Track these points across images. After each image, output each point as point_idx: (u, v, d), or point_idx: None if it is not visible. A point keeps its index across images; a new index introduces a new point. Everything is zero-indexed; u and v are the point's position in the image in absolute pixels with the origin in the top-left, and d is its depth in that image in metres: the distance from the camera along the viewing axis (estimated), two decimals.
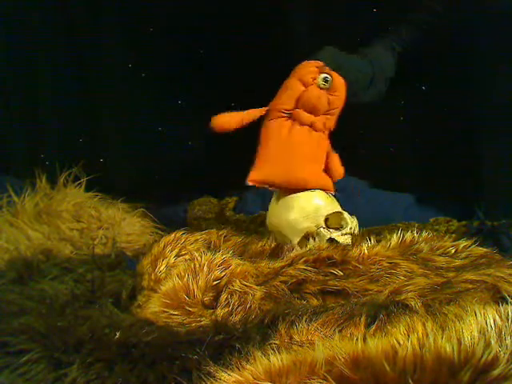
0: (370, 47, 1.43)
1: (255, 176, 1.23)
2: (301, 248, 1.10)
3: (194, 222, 1.64)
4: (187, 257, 1.08)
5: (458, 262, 0.98)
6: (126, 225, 1.47)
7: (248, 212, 1.68)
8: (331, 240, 1.14)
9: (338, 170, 1.25)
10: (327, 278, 0.94)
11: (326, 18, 1.60)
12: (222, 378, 0.65)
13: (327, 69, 1.20)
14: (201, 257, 0.98)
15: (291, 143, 1.20)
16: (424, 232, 1.08)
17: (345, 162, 1.51)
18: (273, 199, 1.25)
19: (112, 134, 1.78)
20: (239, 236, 1.22)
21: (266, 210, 1.49)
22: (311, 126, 1.20)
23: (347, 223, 1.17)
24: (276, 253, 1.08)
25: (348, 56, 1.31)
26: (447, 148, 1.50)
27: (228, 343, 0.78)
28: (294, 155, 1.20)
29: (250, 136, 1.65)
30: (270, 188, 1.23)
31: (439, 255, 1.00)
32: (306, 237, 1.17)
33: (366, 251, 0.98)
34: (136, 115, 1.76)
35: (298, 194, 1.20)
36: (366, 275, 0.94)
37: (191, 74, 1.70)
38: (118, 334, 0.82)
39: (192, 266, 0.96)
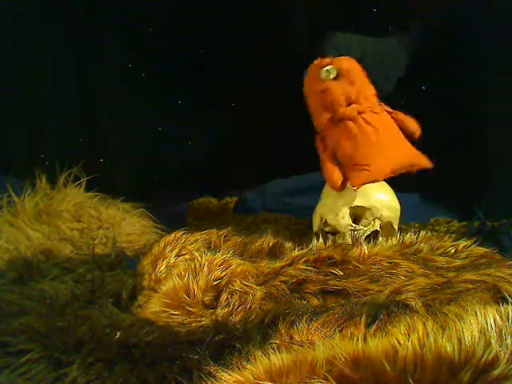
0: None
1: (357, 180, 1.18)
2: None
3: (194, 222, 1.64)
4: (187, 257, 1.08)
5: (458, 262, 0.98)
6: (126, 225, 1.47)
7: (248, 212, 1.68)
8: (375, 232, 1.17)
9: (412, 126, 1.21)
10: (327, 277, 0.94)
11: (326, 17, 1.60)
12: (223, 377, 0.65)
13: (325, 60, 1.20)
14: (201, 257, 0.98)
15: (358, 140, 1.16)
16: (424, 232, 1.08)
17: None
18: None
19: (112, 134, 1.78)
20: (239, 236, 1.22)
21: (266, 209, 1.50)
22: (360, 114, 1.18)
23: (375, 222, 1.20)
24: (274, 251, 1.08)
25: (360, 37, 1.30)
26: (447, 148, 1.50)
27: (228, 343, 0.78)
28: (377, 146, 1.16)
29: (250, 136, 1.65)
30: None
31: (439, 255, 1.00)
32: (358, 212, 1.19)
33: (366, 251, 0.98)
34: (136, 115, 1.76)
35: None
36: (366, 275, 0.94)
37: (191, 74, 1.71)
38: (118, 333, 0.82)
39: (192, 265, 0.96)
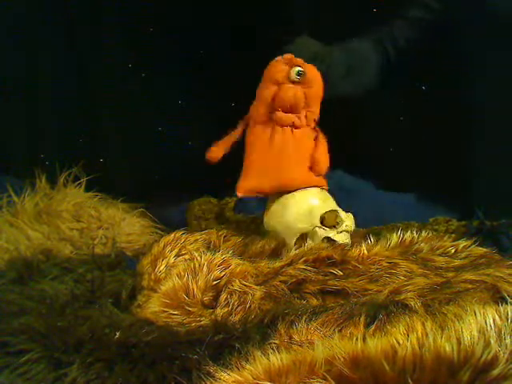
0: (355, 40, 1.42)
1: (244, 186, 1.21)
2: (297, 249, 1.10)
3: (194, 222, 1.64)
4: (187, 257, 1.08)
5: (457, 262, 0.98)
6: (126, 225, 1.47)
7: (248, 212, 1.68)
8: (328, 239, 1.14)
9: (322, 160, 1.21)
10: (327, 277, 0.94)
11: (326, 18, 1.60)
12: (222, 377, 0.65)
13: (298, 60, 1.18)
14: (200, 257, 0.98)
15: (275, 147, 1.18)
16: (423, 232, 1.08)
17: (345, 161, 1.52)
18: (269, 200, 1.25)
19: (112, 134, 1.78)
20: (239, 236, 1.22)
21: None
22: (292, 125, 1.18)
23: (342, 221, 1.17)
24: (276, 253, 1.08)
25: (324, 47, 1.29)
26: (447, 148, 1.50)
27: (228, 343, 0.78)
28: (280, 159, 1.18)
29: None
30: (259, 196, 1.23)
31: (439, 255, 1.00)
32: (302, 237, 1.17)
33: (365, 251, 0.98)
34: (136, 115, 1.76)
35: (294, 194, 1.20)
36: (365, 275, 0.94)
37: (191, 74, 1.70)
38: (117, 333, 0.82)
39: (192, 265, 0.96)
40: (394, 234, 1.05)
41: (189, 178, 1.73)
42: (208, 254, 1.00)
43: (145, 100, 1.75)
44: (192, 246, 1.14)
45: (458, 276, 0.92)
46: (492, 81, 1.46)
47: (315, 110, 1.21)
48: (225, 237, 1.20)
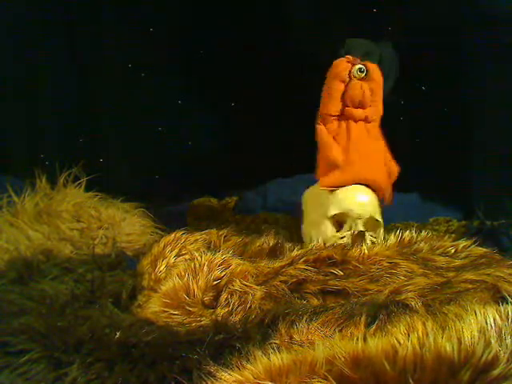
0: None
1: (330, 181, 1.22)
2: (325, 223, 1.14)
3: (194, 222, 1.64)
4: (187, 257, 1.08)
5: (457, 262, 0.98)
6: (126, 225, 1.47)
7: (248, 212, 1.68)
8: (361, 232, 1.15)
9: (393, 169, 1.26)
10: (327, 277, 0.94)
11: (326, 18, 1.61)
12: (223, 377, 0.65)
13: (359, 60, 1.22)
14: (201, 257, 0.98)
15: (353, 142, 1.21)
16: (423, 232, 1.08)
17: None
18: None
19: (112, 134, 1.78)
20: (239, 236, 1.22)
21: (266, 209, 1.49)
22: (365, 120, 1.22)
23: (378, 236, 1.18)
24: (275, 251, 1.08)
25: (373, 43, 1.31)
26: (447, 148, 1.50)
27: (228, 343, 0.78)
28: (358, 154, 1.21)
29: (251, 136, 1.65)
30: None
31: (439, 255, 1.00)
32: (339, 218, 1.18)
33: (366, 251, 0.98)
34: (136, 115, 1.76)
35: (358, 185, 1.21)
36: (366, 275, 0.94)
37: (191, 74, 1.71)
38: (118, 333, 0.82)
39: (192, 265, 0.96)
40: (393, 234, 1.05)
41: (189, 178, 1.73)
42: (208, 254, 1.00)
43: (145, 100, 1.75)
44: (192, 245, 1.14)
45: (458, 276, 0.92)
46: (492, 81, 1.46)
47: (379, 106, 1.25)
48: (225, 237, 1.20)
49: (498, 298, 0.87)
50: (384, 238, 1.16)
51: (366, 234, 1.14)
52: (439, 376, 0.55)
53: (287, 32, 1.66)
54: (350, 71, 1.21)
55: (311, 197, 1.26)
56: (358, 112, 1.22)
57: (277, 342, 0.76)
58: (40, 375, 0.77)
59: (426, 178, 1.54)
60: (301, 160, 1.56)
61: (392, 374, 0.56)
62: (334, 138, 1.23)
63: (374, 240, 1.16)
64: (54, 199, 1.46)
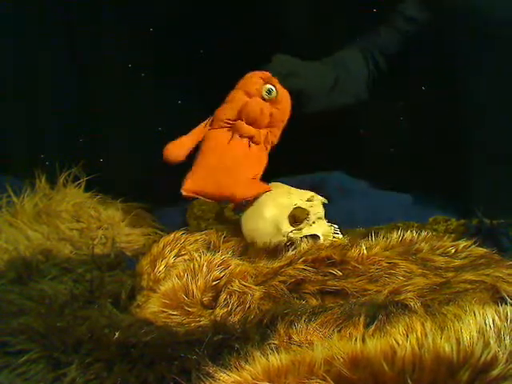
0: (338, 51, 1.43)
1: (189, 186, 1.20)
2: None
3: (194, 222, 1.64)
4: (186, 257, 1.08)
5: (457, 262, 0.98)
6: (126, 225, 1.47)
7: None
8: (312, 237, 1.11)
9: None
10: (326, 277, 0.94)
11: (325, 18, 1.61)
12: (221, 378, 0.65)
13: (274, 80, 1.18)
14: (200, 257, 0.98)
15: (228, 155, 1.18)
16: (424, 232, 1.08)
17: (345, 161, 1.52)
18: (245, 214, 1.23)
19: (112, 134, 1.78)
20: (239, 236, 1.22)
21: None
22: (251, 138, 1.18)
23: (308, 211, 1.14)
24: (274, 252, 1.08)
25: (302, 62, 1.29)
26: (447, 148, 1.50)
27: (227, 343, 0.78)
28: (229, 168, 1.17)
29: None
30: (203, 198, 1.21)
31: (439, 255, 0.99)
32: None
33: (365, 251, 0.98)
34: (136, 115, 1.76)
35: (246, 213, 1.19)
36: (365, 275, 0.94)
37: (191, 74, 1.70)
38: (117, 334, 0.82)
39: (191, 266, 0.96)
40: (394, 234, 1.05)
41: None
42: (207, 254, 1.00)
43: (145, 100, 1.75)
44: (192, 246, 1.14)
45: (457, 276, 0.92)
46: (492, 81, 1.46)
47: (276, 134, 1.21)
48: (224, 237, 1.20)
49: (497, 298, 0.86)
50: (384, 236, 1.16)
51: (304, 231, 1.12)
52: (438, 376, 0.55)
53: (287, 32, 1.65)
54: (258, 88, 1.17)
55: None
56: (248, 128, 1.18)
57: (275, 342, 0.76)
58: (39, 375, 0.77)
59: (426, 178, 1.54)
60: (302, 160, 1.56)
61: (391, 375, 0.56)
62: (211, 144, 1.20)
63: (312, 222, 1.13)
64: (53, 199, 1.46)
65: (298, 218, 1.15)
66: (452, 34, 1.46)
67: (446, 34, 1.47)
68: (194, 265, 0.96)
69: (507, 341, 0.59)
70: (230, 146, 1.18)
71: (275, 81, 1.18)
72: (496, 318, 0.63)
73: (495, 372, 0.55)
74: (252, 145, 1.19)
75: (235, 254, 1.06)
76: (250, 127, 1.18)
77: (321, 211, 1.17)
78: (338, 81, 1.35)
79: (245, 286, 0.92)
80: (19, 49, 1.69)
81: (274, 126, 1.20)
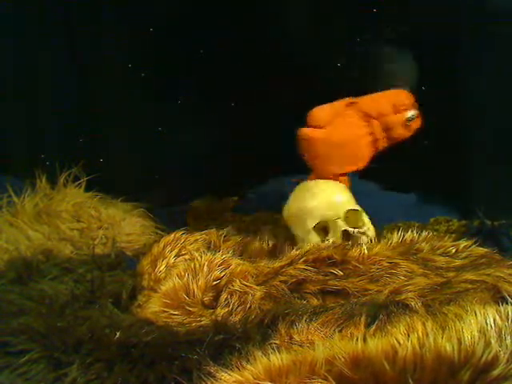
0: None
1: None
2: (310, 237, 1.13)
3: (194, 222, 1.64)
4: (187, 257, 1.08)
5: (457, 262, 0.98)
6: (126, 225, 1.46)
7: (248, 212, 1.68)
8: (346, 232, 1.13)
9: None
10: (327, 277, 0.94)
11: (326, 18, 1.60)
12: (223, 377, 0.65)
13: (415, 104, 1.32)
14: (201, 257, 0.98)
15: (350, 139, 1.30)
16: (424, 232, 1.08)
17: None
18: (296, 188, 1.27)
19: (112, 134, 1.78)
20: (239, 236, 1.22)
21: (266, 209, 1.49)
22: (375, 141, 1.32)
23: (364, 224, 1.17)
24: (274, 252, 1.08)
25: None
26: (447, 148, 1.50)
27: (228, 343, 0.78)
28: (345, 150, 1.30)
29: (251, 136, 1.65)
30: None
31: (439, 255, 0.99)
32: (321, 225, 1.17)
33: (365, 251, 0.98)
34: (136, 115, 1.76)
35: (325, 185, 1.23)
36: (365, 275, 0.94)
37: (191, 74, 1.70)
38: (117, 334, 0.82)
39: (192, 265, 0.96)
40: (395, 234, 1.05)
41: (189, 178, 1.73)
42: (208, 254, 1.00)
43: (145, 100, 1.75)
44: (192, 246, 1.14)
45: (458, 276, 0.92)
46: (491, 81, 1.46)
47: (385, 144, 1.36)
48: (225, 237, 1.20)
49: (498, 298, 0.86)
50: (385, 236, 1.16)
51: (350, 230, 1.13)
52: (439, 376, 0.55)
53: (287, 32, 1.65)
54: (405, 109, 1.31)
55: (288, 217, 1.25)
56: (378, 131, 1.32)
57: (277, 342, 0.76)
58: (40, 375, 0.77)
59: (427, 178, 1.54)
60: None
61: (392, 374, 0.56)
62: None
63: (361, 230, 1.15)
64: (53, 199, 1.46)
65: (349, 219, 1.18)
66: (453, 32, 1.46)
67: (446, 33, 1.47)
68: (194, 264, 0.96)
69: (508, 340, 0.59)
70: (356, 133, 1.31)
71: (416, 105, 1.32)
72: (497, 317, 0.63)
73: (496, 372, 0.55)
74: (372, 143, 1.33)
75: (236, 253, 1.06)
76: (381, 131, 1.32)
77: (372, 233, 1.21)
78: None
79: (246, 285, 0.92)
80: (19, 49, 1.69)
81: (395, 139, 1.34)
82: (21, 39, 1.68)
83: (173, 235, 1.18)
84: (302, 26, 1.65)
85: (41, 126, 1.75)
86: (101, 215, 1.44)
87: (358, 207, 1.20)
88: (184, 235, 1.17)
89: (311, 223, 1.17)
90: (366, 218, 1.18)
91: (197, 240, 1.17)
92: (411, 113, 1.30)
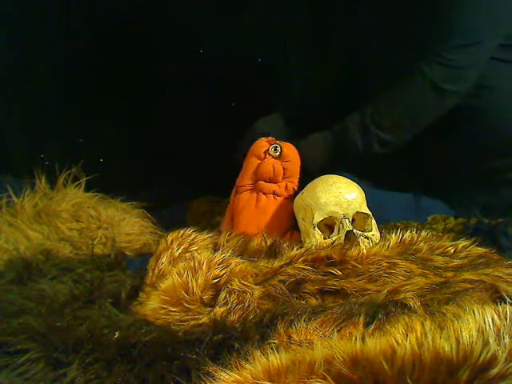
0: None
1: None
2: (314, 231, 1.15)
3: (194, 222, 1.64)
4: (188, 256, 1.08)
5: (456, 262, 0.98)
6: (126, 225, 1.47)
7: None
8: (350, 233, 1.12)
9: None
10: (326, 277, 0.94)
11: (325, 19, 1.61)
12: (221, 377, 0.65)
13: (278, 141, 1.35)
14: (200, 255, 0.98)
15: (259, 212, 1.32)
16: (423, 231, 1.08)
17: (345, 162, 1.52)
18: (315, 180, 1.27)
19: (112, 134, 1.78)
20: (239, 236, 1.21)
21: None
22: (273, 193, 1.33)
23: (371, 229, 1.17)
24: (273, 250, 1.08)
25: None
26: (446, 147, 1.50)
27: (227, 343, 0.78)
28: (263, 223, 1.30)
29: (251, 136, 1.65)
30: None
31: (438, 255, 1.00)
32: (328, 222, 1.17)
33: (364, 251, 0.98)
34: (136, 115, 1.76)
35: (342, 181, 1.23)
36: (364, 275, 0.94)
37: (191, 74, 1.71)
38: (116, 334, 0.82)
39: (191, 264, 0.96)
40: (394, 234, 1.05)
41: (189, 178, 1.73)
42: (208, 252, 1.00)
43: (145, 100, 1.75)
44: (198, 244, 1.14)
45: (457, 276, 0.92)
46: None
47: (294, 181, 1.36)
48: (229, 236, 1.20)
49: (497, 297, 0.87)
50: (384, 237, 1.16)
51: (355, 232, 1.13)
52: (438, 376, 0.55)
53: (286, 32, 1.66)
54: (267, 150, 1.34)
55: (298, 206, 1.26)
56: (269, 186, 1.33)
57: (275, 341, 0.76)
58: (39, 375, 0.77)
59: (426, 178, 1.54)
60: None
61: (390, 374, 0.56)
62: (242, 208, 1.34)
63: (367, 234, 1.15)
64: (53, 199, 1.46)
65: (356, 222, 1.17)
66: None
67: None
68: (194, 263, 0.96)
69: (506, 340, 0.59)
70: (259, 205, 1.33)
71: (279, 141, 1.35)
72: (495, 317, 0.63)
73: (495, 371, 0.55)
74: (277, 197, 1.34)
75: (235, 252, 1.06)
76: (270, 184, 1.34)
77: (377, 238, 1.19)
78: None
79: (244, 284, 0.92)
80: (19, 49, 1.69)
81: (291, 175, 1.35)
82: (21, 39, 1.68)
83: (176, 233, 1.17)
84: (301, 26, 1.65)
85: (41, 126, 1.75)
86: (100, 215, 1.45)
87: (368, 211, 1.19)
88: (191, 233, 1.17)
89: (318, 217, 1.17)
90: (374, 225, 1.18)
91: (204, 239, 1.16)
92: (272, 146, 1.33)
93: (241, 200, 1.35)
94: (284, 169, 1.33)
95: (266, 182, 1.34)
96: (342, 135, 1.42)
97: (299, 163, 1.37)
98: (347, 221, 1.14)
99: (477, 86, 1.38)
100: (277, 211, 1.32)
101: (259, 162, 1.35)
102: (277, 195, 1.33)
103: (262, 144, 1.36)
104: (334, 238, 1.12)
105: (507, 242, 1.20)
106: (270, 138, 1.37)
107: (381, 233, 1.18)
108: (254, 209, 1.33)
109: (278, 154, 1.33)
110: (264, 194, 1.33)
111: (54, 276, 1.14)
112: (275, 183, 1.34)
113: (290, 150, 1.35)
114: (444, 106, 1.39)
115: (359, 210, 1.16)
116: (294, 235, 1.29)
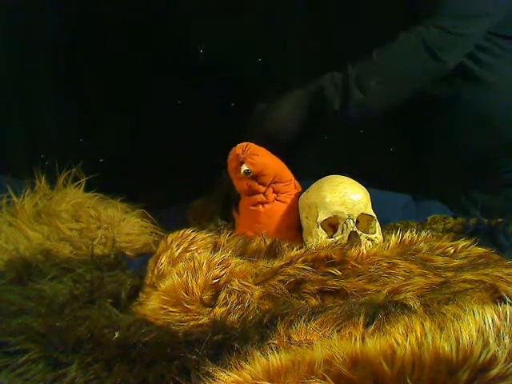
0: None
1: None
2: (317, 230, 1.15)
3: (194, 222, 1.64)
4: (188, 256, 1.08)
5: (456, 262, 0.98)
6: (126, 225, 1.47)
7: None
8: (353, 234, 1.13)
9: None
10: (326, 277, 0.94)
11: (326, 18, 1.61)
12: (221, 377, 0.65)
13: (242, 157, 1.27)
14: (200, 255, 0.98)
15: (258, 226, 1.28)
16: (423, 231, 1.08)
17: (345, 161, 1.52)
18: (321, 179, 1.26)
19: (112, 134, 1.78)
20: (239, 236, 1.21)
21: None
22: (261, 203, 1.30)
23: (375, 231, 1.17)
24: (272, 250, 1.08)
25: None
26: (446, 147, 1.50)
27: (227, 343, 0.78)
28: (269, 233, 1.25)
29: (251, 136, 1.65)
30: None
31: (438, 255, 1.00)
32: (332, 221, 1.17)
33: (364, 251, 0.98)
34: (136, 115, 1.76)
35: (348, 182, 1.22)
36: (364, 275, 0.94)
37: (191, 74, 1.71)
38: (116, 334, 0.82)
39: (191, 264, 0.96)
40: (394, 234, 1.05)
41: (189, 178, 1.73)
42: (207, 252, 1.00)
43: (145, 100, 1.75)
44: (198, 244, 1.14)
45: (457, 276, 0.92)
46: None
47: (282, 179, 1.31)
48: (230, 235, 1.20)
49: (497, 297, 0.87)
50: (383, 237, 1.16)
51: (359, 233, 1.13)
52: (437, 376, 0.55)
53: (286, 32, 1.66)
54: (237, 169, 1.29)
55: (302, 204, 1.26)
56: (252, 199, 1.30)
57: (275, 342, 0.76)
58: (39, 375, 0.77)
59: (425, 178, 1.54)
60: (304, 161, 1.57)
61: (390, 375, 0.56)
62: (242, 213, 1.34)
63: (370, 236, 1.15)
64: (53, 199, 1.46)
65: (359, 223, 1.17)
66: None
67: None
68: (194, 263, 0.96)
69: (506, 340, 0.59)
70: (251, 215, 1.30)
71: (244, 157, 1.27)
72: (495, 317, 0.63)
73: (494, 371, 0.55)
74: (266, 206, 1.30)
75: (235, 253, 1.06)
76: (254, 196, 1.30)
77: (380, 240, 1.20)
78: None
79: (244, 285, 0.92)
80: (19, 48, 1.69)
81: (274, 181, 1.30)
82: (21, 39, 1.68)
83: (176, 234, 1.17)
84: (301, 26, 1.65)
85: (41, 126, 1.75)
86: (100, 215, 1.45)
87: (373, 213, 1.19)
88: (190, 233, 1.16)
89: (323, 216, 1.17)
90: (378, 227, 1.18)
91: (204, 239, 1.16)
92: (243, 169, 1.27)
93: (243, 203, 1.34)
94: (261, 183, 1.29)
95: (248, 195, 1.31)
96: (318, 95, 1.38)
97: (277, 165, 1.32)
98: (351, 221, 1.14)
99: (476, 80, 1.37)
100: (266, 221, 1.29)
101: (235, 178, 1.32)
102: (265, 203, 1.30)
103: (232, 160, 1.31)
104: (337, 238, 1.12)
105: (507, 241, 1.20)
106: (234, 155, 1.30)
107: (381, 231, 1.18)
108: (249, 220, 1.31)
109: (250, 175, 1.27)
110: (253, 205, 1.31)
111: (53, 276, 1.14)
112: (258, 194, 1.30)
113: (261, 163, 1.28)
114: (432, 72, 1.37)
115: (364, 212, 1.17)
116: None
